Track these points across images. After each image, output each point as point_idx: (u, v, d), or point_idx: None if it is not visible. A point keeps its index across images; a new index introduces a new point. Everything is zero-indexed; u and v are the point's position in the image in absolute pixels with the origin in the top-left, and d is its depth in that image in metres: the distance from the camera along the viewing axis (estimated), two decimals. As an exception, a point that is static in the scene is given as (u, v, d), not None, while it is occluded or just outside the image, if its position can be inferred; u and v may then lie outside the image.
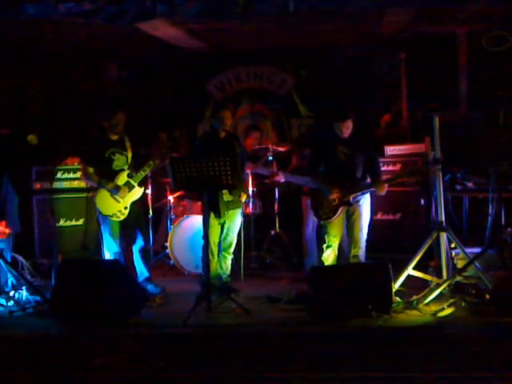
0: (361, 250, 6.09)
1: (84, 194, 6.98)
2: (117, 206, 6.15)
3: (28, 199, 7.47)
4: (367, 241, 6.15)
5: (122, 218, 6.17)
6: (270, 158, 7.57)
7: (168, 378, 4.26)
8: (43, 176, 7.37)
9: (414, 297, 5.56)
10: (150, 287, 6.22)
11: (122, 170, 6.21)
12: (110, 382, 4.25)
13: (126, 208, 6.17)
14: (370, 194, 6.25)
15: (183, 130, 8.52)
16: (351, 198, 6.02)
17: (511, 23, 7.62)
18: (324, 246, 6.15)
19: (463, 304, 5.38)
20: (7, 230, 6.50)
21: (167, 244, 7.29)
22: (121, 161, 6.22)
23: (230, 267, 6.41)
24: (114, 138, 6.23)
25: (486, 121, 8.00)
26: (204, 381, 4.21)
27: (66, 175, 7.50)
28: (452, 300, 5.43)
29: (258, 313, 5.55)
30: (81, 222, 7.50)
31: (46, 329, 5.27)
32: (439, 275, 5.80)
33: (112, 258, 6.15)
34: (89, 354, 4.60)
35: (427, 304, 5.47)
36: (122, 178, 6.18)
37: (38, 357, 4.67)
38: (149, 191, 7.52)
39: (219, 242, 6.31)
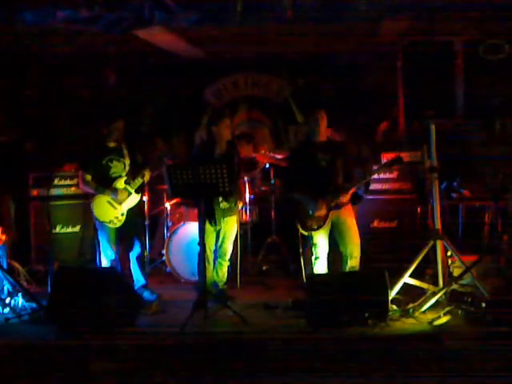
0: (356, 261, 6.01)
1: (81, 201, 6.98)
2: (113, 212, 6.16)
3: (25, 206, 7.47)
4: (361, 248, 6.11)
5: (119, 224, 6.17)
6: (267, 165, 7.58)
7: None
8: (40, 183, 7.37)
9: (411, 305, 5.55)
10: (146, 294, 6.21)
11: (120, 176, 6.21)
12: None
13: (122, 214, 6.17)
14: (357, 203, 6.21)
15: (180, 137, 8.53)
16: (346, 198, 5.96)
17: (507, 32, 7.65)
18: (312, 258, 6.06)
19: (459, 312, 5.39)
20: (3, 237, 6.49)
21: (164, 251, 7.29)
22: (118, 168, 6.23)
23: (226, 275, 6.41)
24: (112, 145, 6.24)
25: (483, 129, 8.01)
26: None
27: (63, 182, 7.51)
28: (448, 308, 5.43)
29: (255, 320, 5.53)
30: (77, 229, 7.51)
31: (41, 336, 5.26)
32: (435, 283, 5.80)
33: (108, 264, 6.15)
34: (85, 362, 4.60)
35: (423, 312, 5.47)
36: (120, 185, 6.19)
37: (34, 364, 4.66)
38: (145, 198, 7.52)
39: (215, 249, 6.31)
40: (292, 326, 5.34)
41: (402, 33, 7.49)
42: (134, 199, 6.23)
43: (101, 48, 8.00)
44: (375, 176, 7.05)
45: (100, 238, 6.22)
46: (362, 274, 5.86)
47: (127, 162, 6.26)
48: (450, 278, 5.88)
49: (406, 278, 5.70)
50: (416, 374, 4.23)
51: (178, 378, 4.40)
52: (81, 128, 8.54)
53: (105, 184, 6.16)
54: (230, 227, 6.30)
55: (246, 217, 7.34)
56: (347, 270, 5.94)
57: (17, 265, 6.76)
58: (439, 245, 5.80)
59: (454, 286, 5.67)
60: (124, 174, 6.23)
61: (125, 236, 6.24)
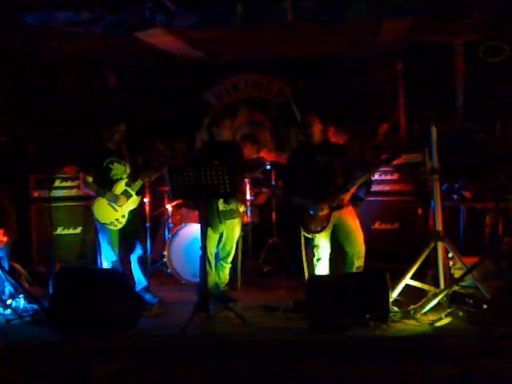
0: (362, 260, 6.00)
1: (82, 203, 6.98)
2: (114, 214, 6.15)
3: (26, 207, 7.47)
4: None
5: (120, 226, 6.16)
6: (268, 166, 7.59)
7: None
8: (41, 184, 7.38)
9: (412, 306, 5.55)
10: (147, 297, 6.20)
11: (121, 178, 6.21)
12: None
13: (123, 216, 6.17)
14: (357, 205, 6.22)
15: (181, 138, 8.53)
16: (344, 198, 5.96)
17: (508, 33, 7.66)
18: (314, 260, 6.06)
19: (460, 314, 5.38)
20: (5, 238, 6.50)
21: (165, 253, 7.29)
22: (119, 170, 6.23)
23: (228, 277, 6.41)
24: (113, 147, 6.24)
25: (483, 130, 8.02)
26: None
27: (64, 183, 7.52)
28: (449, 310, 5.43)
29: (256, 322, 5.53)
30: (78, 230, 7.52)
31: (43, 337, 5.25)
32: (437, 285, 5.80)
33: (109, 266, 6.15)
34: (86, 363, 4.60)
35: (425, 313, 5.48)
36: (120, 187, 6.19)
37: (35, 366, 4.66)
38: (147, 200, 7.53)
39: (217, 252, 6.31)
40: (292, 328, 5.34)
41: (402, 34, 7.48)
42: (134, 201, 6.23)
43: (101, 50, 8.00)
44: (376, 177, 7.07)
45: (101, 239, 6.21)
46: (363, 275, 5.86)
47: (128, 163, 6.26)
48: (451, 279, 5.88)
49: (407, 280, 5.71)
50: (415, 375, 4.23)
51: (180, 379, 4.40)
52: (81, 130, 8.54)
53: (106, 186, 6.16)
54: (232, 229, 6.29)
55: (246, 218, 7.34)
56: (354, 270, 5.94)
57: (18, 266, 6.77)
58: (440, 246, 5.80)
59: (455, 288, 5.67)
60: (125, 176, 6.23)
61: (126, 238, 6.24)
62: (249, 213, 7.35)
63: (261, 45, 7.98)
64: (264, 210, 7.77)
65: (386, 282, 5.36)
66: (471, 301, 5.47)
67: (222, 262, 6.32)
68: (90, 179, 6.21)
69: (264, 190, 7.76)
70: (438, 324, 5.25)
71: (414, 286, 5.74)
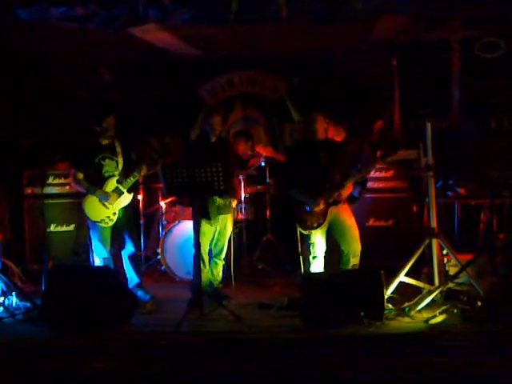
0: (358, 258, 6.00)
1: (75, 200, 6.94)
2: (105, 211, 6.12)
3: (19, 204, 7.44)
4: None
5: (111, 223, 6.13)
6: (263, 163, 7.57)
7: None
8: (34, 181, 7.34)
9: (406, 304, 5.55)
10: (140, 293, 6.18)
11: (112, 175, 6.17)
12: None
13: (114, 214, 6.14)
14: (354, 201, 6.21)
15: (175, 135, 8.48)
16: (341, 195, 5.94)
17: (504, 29, 7.64)
18: (310, 257, 6.05)
19: (455, 311, 5.39)
20: (-3, 237, 6.48)
21: (159, 250, 7.27)
22: (111, 166, 6.19)
23: (221, 273, 6.39)
24: (105, 142, 6.21)
25: (479, 127, 8.00)
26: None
27: (57, 180, 7.49)
28: (444, 307, 5.43)
29: (250, 320, 5.52)
30: (71, 227, 7.49)
31: (35, 335, 5.25)
32: (431, 282, 5.79)
33: (101, 263, 6.12)
34: (79, 360, 4.58)
35: (419, 311, 5.48)
36: (111, 184, 6.15)
37: (28, 363, 4.64)
38: (140, 197, 7.50)
39: (209, 249, 6.29)
40: (287, 325, 5.33)
41: (398, 31, 7.46)
42: (126, 198, 6.19)
43: (95, 46, 7.96)
44: (371, 174, 7.04)
45: (92, 237, 6.19)
46: (358, 272, 5.86)
47: (120, 160, 6.22)
48: (445, 276, 5.87)
49: (402, 277, 5.70)
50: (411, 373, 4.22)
51: (173, 376, 4.38)
52: (75, 126, 8.49)
53: (97, 183, 6.13)
54: (225, 225, 6.29)
55: (241, 215, 7.32)
56: (350, 267, 5.94)
57: (11, 263, 6.74)
58: (435, 243, 5.79)
59: (450, 285, 5.67)
60: (117, 172, 6.19)
61: (117, 235, 6.21)
62: (243, 210, 7.33)
63: (255, 41, 7.95)
64: (258, 207, 7.75)
65: (381, 280, 5.35)
66: (466, 298, 5.48)
67: (215, 258, 6.31)
68: (81, 176, 6.17)
69: (259, 187, 7.74)
70: (433, 321, 5.25)
71: (408, 283, 5.73)
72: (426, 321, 5.27)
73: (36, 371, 4.50)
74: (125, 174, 6.18)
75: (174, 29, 7.17)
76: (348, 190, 6.01)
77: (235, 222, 6.81)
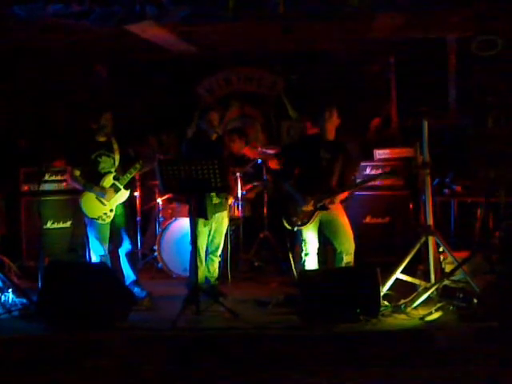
0: (352, 256, 5.96)
1: (72, 197, 6.93)
2: (102, 208, 6.12)
3: (16, 201, 7.43)
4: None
5: (108, 220, 6.13)
6: (259, 161, 7.56)
7: (156, 381, 4.25)
8: (31, 178, 7.33)
9: (402, 301, 5.55)
10: (136, 290, 6.17)
11: (109, 172, 6.17)
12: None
13: (111, 210, 6.14)
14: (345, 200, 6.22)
15: (172, 133, 8.50)
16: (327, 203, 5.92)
17: (500, 28, 7.65)
18: (302, 254, 6.03)
19: (451, 308, 5.39)
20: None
21: (155, 247, 7.27)
22: (108, 163, 6.18)
23: (217, 270, 6.39)
24: (102, 139, 6.20)
25: (475, 126, 8.02)
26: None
27: (54, 177, 7.46)
28: (440, 304, 5.43)
29: (246, 316, 5.51)
30: (68, 224, 7.47)
31: (32, 332, 5.23)
32: (427, 279, 5.80)
33: (98, 260, 6.12)
34: (76, 357, 4.58)
35: (415, 308, 5.47)
36: (108, 181, 6.15)
37: (24, 360, 4.64)
38: (137, 194, 7.49)
39: (206, 247, 6.29)
40: (283, 322, 5.33)
41: (395, 29, 7.47)
42: (122, 195, 6.19)
43: (92, 43, 7.95)
44: (368, 172, 7.06)
45: (89, 233, 6.18)
46: (354, 269, 5.86)
47: (117, 157, 6.21)
48: (441, 273, 5.88)
49: (398, 274, 5.70)
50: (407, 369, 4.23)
51: (170, 373, 4.39)
52: (72, 123, 8.49)
53: (94, 179, 6.13)
54: (221, 222, 6.28)
55: (238, 212, 7.33)
56: (343, 265, 5.91)
57: (7, 260, 6.73)
58: (431, 241, 5.79)
59: (446, 282, 5.67)
60: (113, 169, 6.19)
61: (114, 232, 6.20)
62: (240, 207, 7.33)
63: (252, 38, 7.95)
64: (255, 204, 7.75)
65: (377, 276, 5.35)
66: (461, 295, 5.48)
67: (211, 255, 6.30)
68: (78, 173, 6.16)
69: (255, 183, 7.73)
70: (429, 318, 5.25)
71: (404, 281, 5.73)
72: (422, 318, 5.27)
73: (32, 368, 4.50)
74: (121, 171, 6.19)
75: (170, 26, 7.16)
76: (341, 196, 5.99)
77: (232, 219, 6.81)
